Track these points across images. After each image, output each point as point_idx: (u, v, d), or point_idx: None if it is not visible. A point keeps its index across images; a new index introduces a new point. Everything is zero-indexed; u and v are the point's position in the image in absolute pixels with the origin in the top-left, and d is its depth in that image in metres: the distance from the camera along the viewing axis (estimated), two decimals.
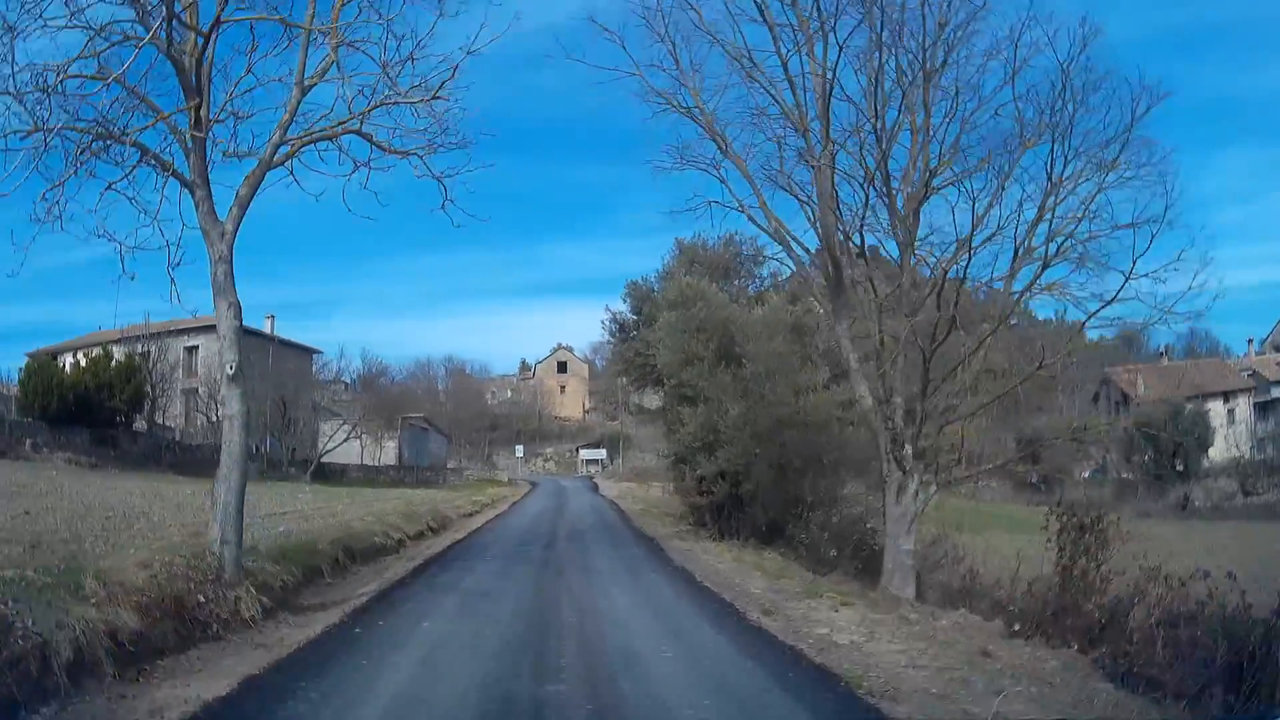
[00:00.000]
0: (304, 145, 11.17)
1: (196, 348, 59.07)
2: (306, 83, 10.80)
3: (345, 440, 58.93)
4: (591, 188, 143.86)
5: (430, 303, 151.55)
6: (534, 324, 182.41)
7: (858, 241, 13.62)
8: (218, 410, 55.50)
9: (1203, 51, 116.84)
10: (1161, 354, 78.00)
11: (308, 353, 64.58)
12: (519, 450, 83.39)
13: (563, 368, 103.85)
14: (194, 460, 48.13)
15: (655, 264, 24.72)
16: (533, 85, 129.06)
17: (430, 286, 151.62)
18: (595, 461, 77.00)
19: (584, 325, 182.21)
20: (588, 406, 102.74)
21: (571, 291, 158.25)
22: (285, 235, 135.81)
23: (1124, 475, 62.21)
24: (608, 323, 26.54)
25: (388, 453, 69.34)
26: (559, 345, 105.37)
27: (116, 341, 49.72)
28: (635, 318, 26.12)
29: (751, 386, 18.76)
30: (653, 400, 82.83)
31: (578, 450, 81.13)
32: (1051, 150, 11.42)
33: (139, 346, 51.13)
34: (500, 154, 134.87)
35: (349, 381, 66.92)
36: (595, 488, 55.11)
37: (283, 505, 26.11)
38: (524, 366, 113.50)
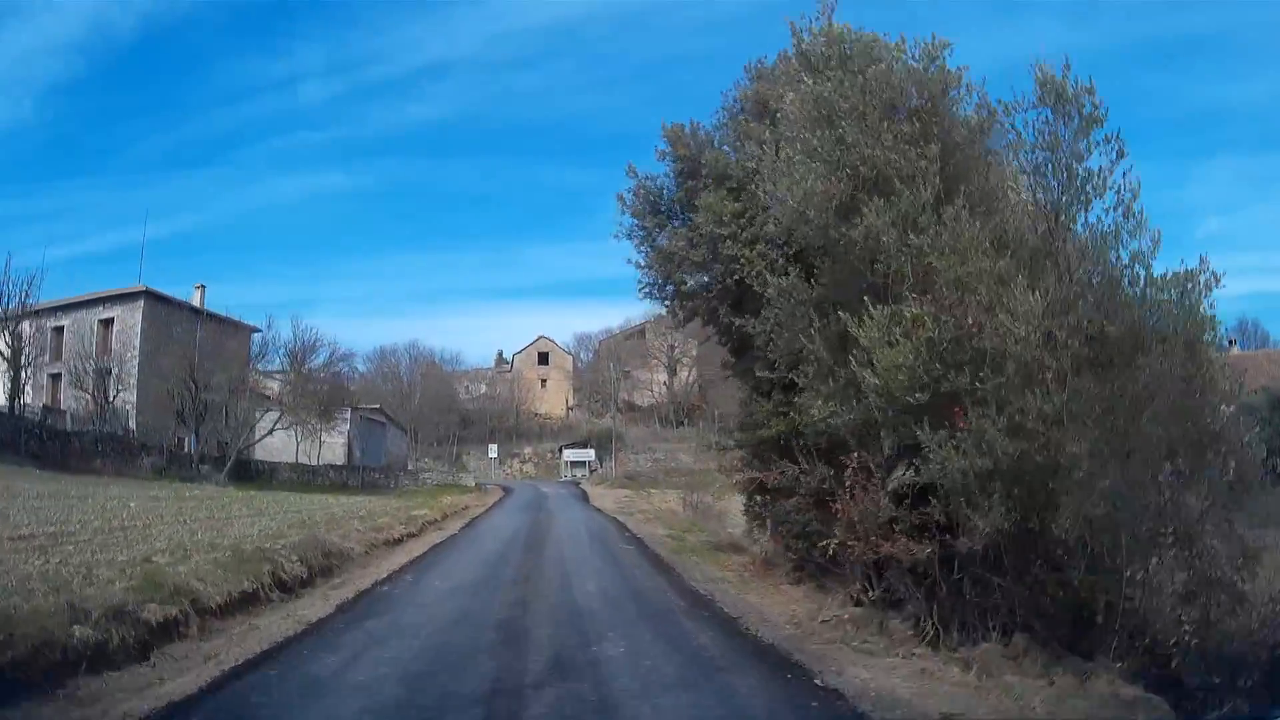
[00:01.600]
0: None
1: (112, 320, 47.26)
2: None
3: (270, 432, 46.60)
4: (572, 191, 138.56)
5: (407, 304, 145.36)
6: (512, 326, 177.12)
7: None
8: (115, 390, 43.19)
9: (1185, 62, 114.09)
10: (1230, 343, 67.83)
11: (243, 330, 52.10)
12: (492, 450, 70.91)
13: (544, 359, 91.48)
14: (62, 451, 35.63)
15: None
16: (513, 88, 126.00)
17: (407, 287, 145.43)
18: (581, 464, 64.62)
19: (565, 326, 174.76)
20: (571, 403, 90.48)
21: (552, 294, 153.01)
22: (259, 235, 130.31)
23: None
24: (628, 198, 14.21)
25: (333, 450, 56.84)
26: (540, 336, 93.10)
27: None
28: (678, 188, 14.03)
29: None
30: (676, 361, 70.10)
31: (560, 450, 68.65)
32: None
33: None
34: (481, 155, 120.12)
35: (284, 363, 54.25)
36: (584, 496, 42.96)
37: (50, 522, 14.53)
38: (500, 359, 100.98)
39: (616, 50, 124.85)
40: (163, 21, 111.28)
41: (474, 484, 48.89)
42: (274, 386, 52.52)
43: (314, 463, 51.59)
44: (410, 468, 69.40)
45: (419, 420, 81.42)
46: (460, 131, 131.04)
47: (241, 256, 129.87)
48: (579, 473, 63.22)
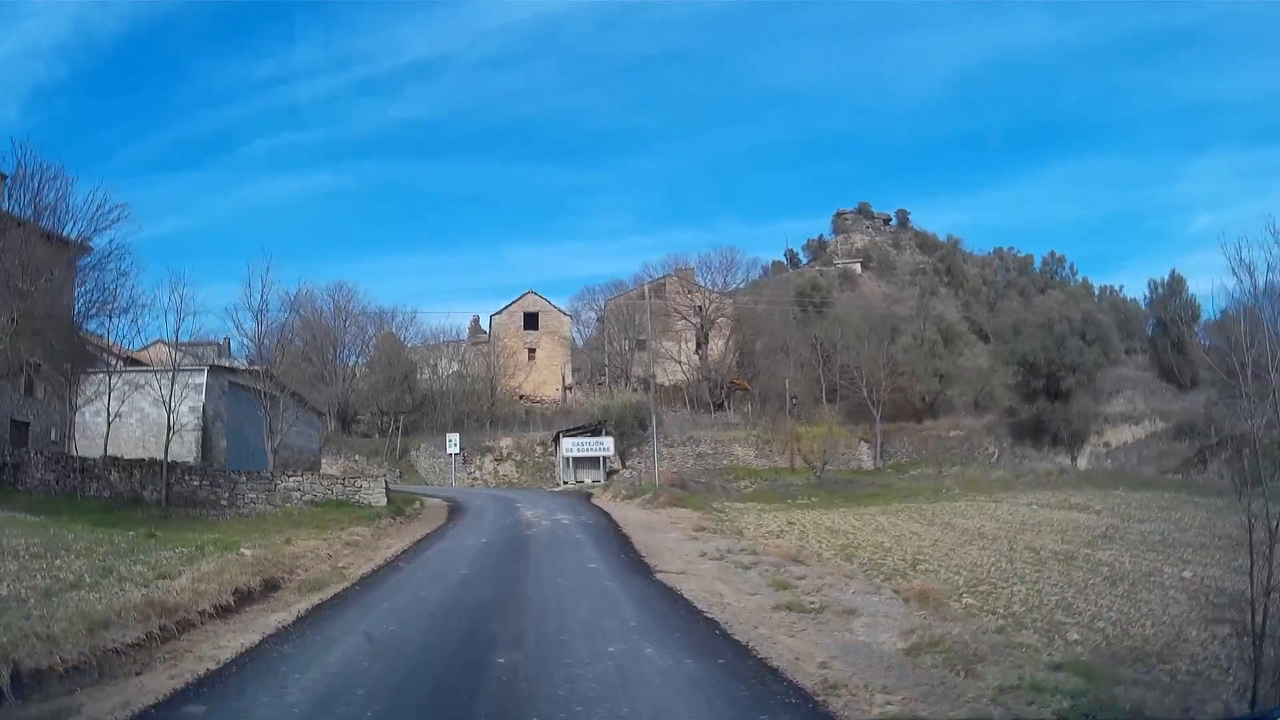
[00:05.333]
0: None
1: None
2: None
3: None
4: (558, 190, 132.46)
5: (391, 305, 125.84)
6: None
7: None
8: None
9: (1173, 56, 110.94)
10: None
11: (63, 246, 26.64)
12: (452, 442, 45.73)
13: (532, 321, 66.20)
14: None
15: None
16: (497, 87, 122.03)
17: (392, 289, 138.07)
18: (592, 462, 38.73)
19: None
20: (569, 382, 65.41)
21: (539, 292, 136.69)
22: (244, 238, 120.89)
23: None
24: None
25: (181, 438, 31.57)
26: (528, 291, 67.91)
27: None
28: None
29: None
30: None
31: (557, 440, 42.68)
32: None
33: None
34: (466, 156, 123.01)
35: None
36: (624, 541, 17.69)
37: None
38: (475, 327, 75.71)
39: (600, 48, 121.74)
40: (145, 23, 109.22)
41: (386, 501, 23.69)
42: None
43: (100, 453, 26.39)
44: (338, 471, 44.54)
45: (355, 399, 56.20)
46: (445, 132, 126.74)
47: (226, 260, 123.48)
48: (588, 476, 37.82)
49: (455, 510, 24.74)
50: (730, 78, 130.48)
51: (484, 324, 73.50)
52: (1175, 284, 69.24)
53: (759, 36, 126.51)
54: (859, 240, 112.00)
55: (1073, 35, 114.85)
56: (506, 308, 66.37)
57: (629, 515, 23.21)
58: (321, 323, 53.07)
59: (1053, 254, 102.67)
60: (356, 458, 48.35)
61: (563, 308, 67.95)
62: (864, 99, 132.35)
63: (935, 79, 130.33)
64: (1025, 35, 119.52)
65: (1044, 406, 49.74)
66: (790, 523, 23.14)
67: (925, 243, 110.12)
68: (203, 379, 34.94)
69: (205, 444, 34.05)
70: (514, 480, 46.30)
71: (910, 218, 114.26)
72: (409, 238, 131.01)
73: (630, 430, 38.54)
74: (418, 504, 27.30)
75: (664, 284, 66.13)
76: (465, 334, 72.82)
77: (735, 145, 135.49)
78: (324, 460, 47.55)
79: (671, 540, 17.40)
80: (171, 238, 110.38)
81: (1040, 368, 50.19)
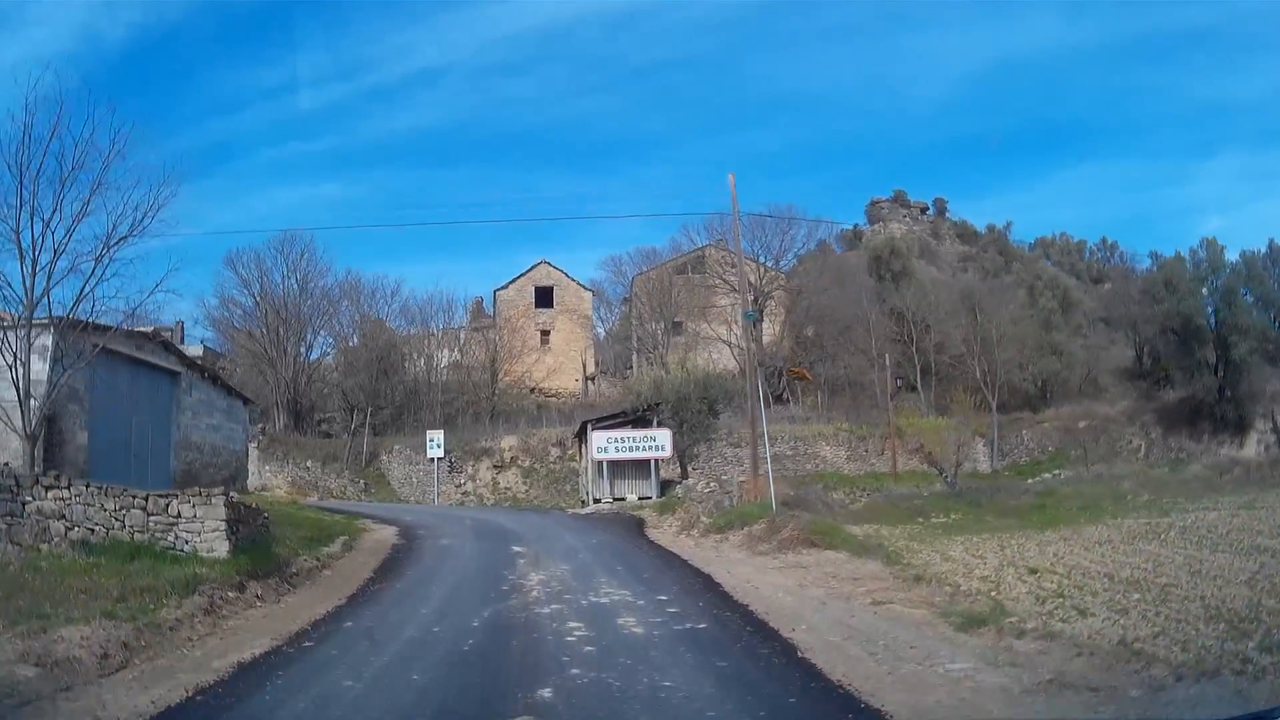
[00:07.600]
0: None
1: None
2: None
3: None
4: (567, 197, 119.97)
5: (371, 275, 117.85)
6: None
7: None
8: None
9: (1185, 57, 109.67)
10: None
11: None
12: (434, 442, 33.29)
13: (545, 298, 53.54)
14: None
15: None
16: (506, 94, 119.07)
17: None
18: (636, 466, 25.02)
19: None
20: (591, 371, 52.76)
21: None
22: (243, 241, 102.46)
23: None
24: None
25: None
26: (541, 261, 55.31)
27: None
28: None
29: None
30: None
31: (583, 433, 28.89)
32: None
33: None
34: (474, 163, 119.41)
35: None
36: None
37: None
38: (477, 310, 63.13)
39: (608, 54, 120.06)
40: (152, 32, 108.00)
41: (227, 550, 11.11)
42: None
43: None
44: (263, 484, 32.38)
45: (314, 388, 43.87)
46: (453, 139, 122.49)
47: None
48: (631, 491, 24.46)
49: (390, 565, 12.26)
50: (740, 82, 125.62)
51: (488, 306, 61.09)
52: (1274, 253, 57.36)
53: (768, 41, 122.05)
54: (896, 229, 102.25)
55: (1082, 37, 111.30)
56: (514, 281, 53.82)
57: (760, 581, 10.55)
58: (269, 289, 40.76)
59: (1104, 240, 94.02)
60: (309, 464, 35.88)
61: (585, 282, 55.34)
62: (875, 103, 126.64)
63: (946, 82, 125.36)
64: (1034, 37, 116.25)
65: (1208, 383, 36.82)
66: (1031, 570, 10.82)
67: (965, 232, 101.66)
68: (48, 339, 21.83)
69: (51, 438, 21.19)
70: (519, 495, 33.62)
71: (948, 207, 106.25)
72: (417, 245, 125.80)
73: (695, 420, 25.63)
74: (337, 543, 14.72)
75: (703, 255, 53.49)
76: (464, 318, 60.27)
77: (747, 150, 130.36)
78: (266, 468, 35.15)
79: None
80: (175, 247, 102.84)
81: (1205, 332, 37.35)
